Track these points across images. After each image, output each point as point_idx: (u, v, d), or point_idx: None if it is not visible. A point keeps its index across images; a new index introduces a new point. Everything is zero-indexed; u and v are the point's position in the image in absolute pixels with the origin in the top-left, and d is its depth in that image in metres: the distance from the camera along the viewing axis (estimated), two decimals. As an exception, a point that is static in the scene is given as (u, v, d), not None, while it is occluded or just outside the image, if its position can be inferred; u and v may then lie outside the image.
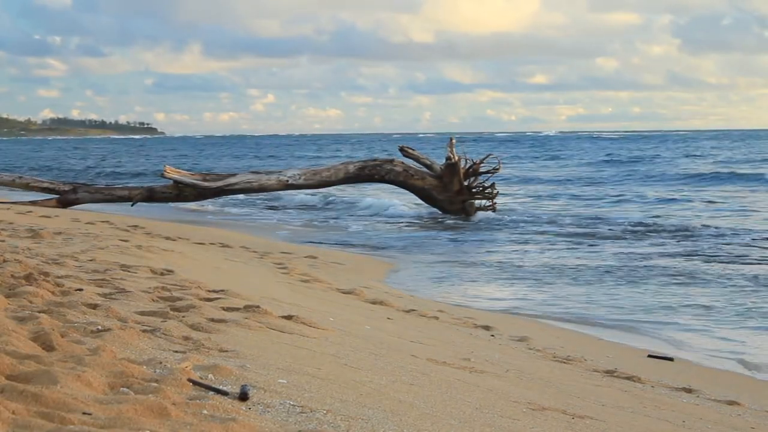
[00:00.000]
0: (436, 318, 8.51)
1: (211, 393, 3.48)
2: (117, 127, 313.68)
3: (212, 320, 5.25)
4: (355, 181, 21.70)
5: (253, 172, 21.37)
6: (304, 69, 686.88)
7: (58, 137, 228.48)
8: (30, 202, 19.94)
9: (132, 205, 20.33)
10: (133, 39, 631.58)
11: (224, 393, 3.49)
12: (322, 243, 16.37)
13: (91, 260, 8.32)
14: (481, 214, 20.90)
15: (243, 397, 3.46)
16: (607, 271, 13.22)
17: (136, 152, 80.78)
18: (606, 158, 52.88)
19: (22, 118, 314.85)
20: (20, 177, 21.77)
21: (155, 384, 3.43)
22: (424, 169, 20.85)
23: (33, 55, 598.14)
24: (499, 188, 21.89)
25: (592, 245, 16.57)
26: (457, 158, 20.55)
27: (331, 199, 26.42)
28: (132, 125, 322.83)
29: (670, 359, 7.87)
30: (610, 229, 19.41)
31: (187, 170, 22.30)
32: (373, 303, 8.90)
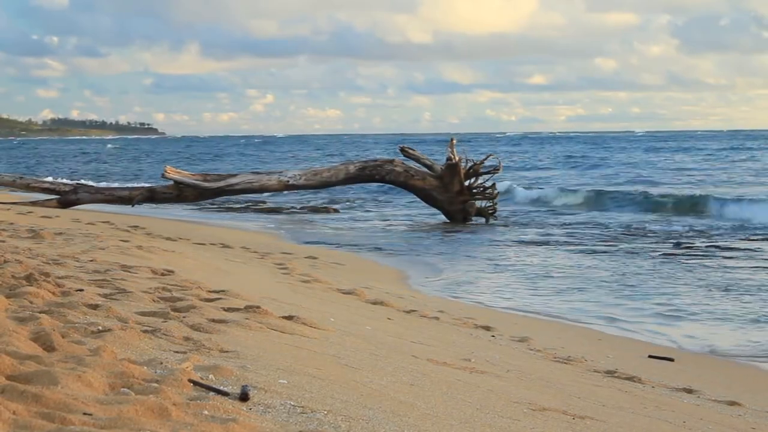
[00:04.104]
0: (437, 318, 8.51)
1: (212, 393, 3.48)
2: (117, 128, 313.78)
3: (213, 321, 5.25)
4: (356, 182, 21.70)
5: (253, 173, 21.38)
6: (302, 69, 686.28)
7: (59, 137, 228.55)
8: (31, 202, 19.96)
9: (132, 206, 20.34)
10: (131, 39, 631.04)
11: (225, 393, 3.49)
12: (322, 243, 16.37)
13: (91, 260, 8.32)
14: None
15: (243, 397, 3.46)
16: (608, 272, 13.23)
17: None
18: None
19: (22, 119, 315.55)
20: (21, 177, 21.79)
21: (156, 384, 3.43)
22: (425, 170, 20.84)
23: (31, 56, 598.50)
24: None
25: (589, 247, 16.57)
26: (457, 159, 20.55)
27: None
28: (132, 125, 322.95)
29: (671, 360, 7.87)
30: (603, 231, 19.46)
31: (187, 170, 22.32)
32: (374, 303, 8.90)
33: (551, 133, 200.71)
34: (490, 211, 20.97)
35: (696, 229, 19.65)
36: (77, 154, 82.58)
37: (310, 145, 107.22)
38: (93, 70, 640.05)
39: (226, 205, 24.68)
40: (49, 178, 27.49)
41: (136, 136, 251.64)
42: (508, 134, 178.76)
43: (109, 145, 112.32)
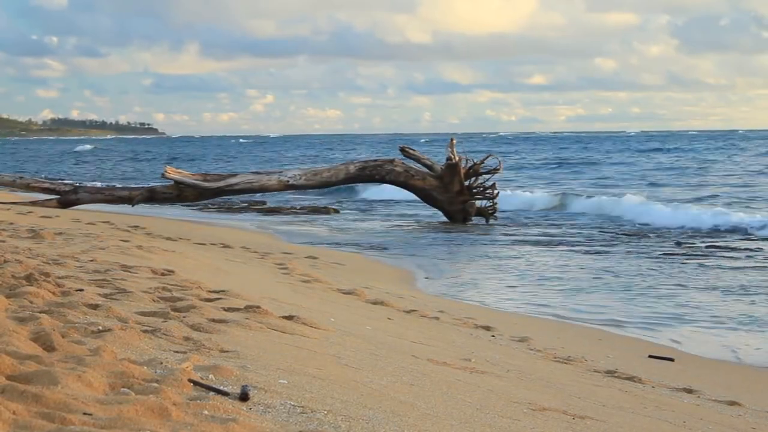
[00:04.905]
0: (437, 318, 8.51)
1: (212, 393, 3.48)
2: (117, 128, 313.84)
3: (213, 320, 5.25)
4: (356, 182, 21.70)
5: (253, 173, 21.36)
6: (302, 69, 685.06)
7: (57, 137, 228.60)
8: (31, 202, 19.96)
9: (133, 206, 20.34)
10: (130, 39, 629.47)
11: (225, 393, 3.49)
12: (322, 243, 16.37)
13: (91, 260, 8.32)
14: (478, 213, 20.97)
15: (243, 397, 3.46)
16: (608, 272, 13.23)
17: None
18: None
19: (22, 119, 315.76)
20: (21, 177, 21.79)
21: (156, 384, 3.43)
22: (425, 170, 20.84)
23: (31, 56, 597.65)
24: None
25: (589, 247, 16.57)
26: (457, 158, 20.55)
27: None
28: (133, 125, 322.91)
29: (671, 360, 7.87)
30: (603, 232, 19.46)
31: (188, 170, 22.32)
32: (374, 303, 8.90)
33: (543, 133, 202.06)
34: (491, 211, 20.97)
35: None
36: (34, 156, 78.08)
37: (301, 145, 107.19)
38: (93, 70, 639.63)
39: (226, 205, 24.68)
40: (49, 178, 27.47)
41: (132, 136, 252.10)
42: (501, 134, 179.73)
43: (80, 147, 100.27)
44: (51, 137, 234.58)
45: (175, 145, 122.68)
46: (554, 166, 50.03)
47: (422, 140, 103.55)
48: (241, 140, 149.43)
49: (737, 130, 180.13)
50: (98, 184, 26.90)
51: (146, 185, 23.14)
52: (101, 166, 57.32)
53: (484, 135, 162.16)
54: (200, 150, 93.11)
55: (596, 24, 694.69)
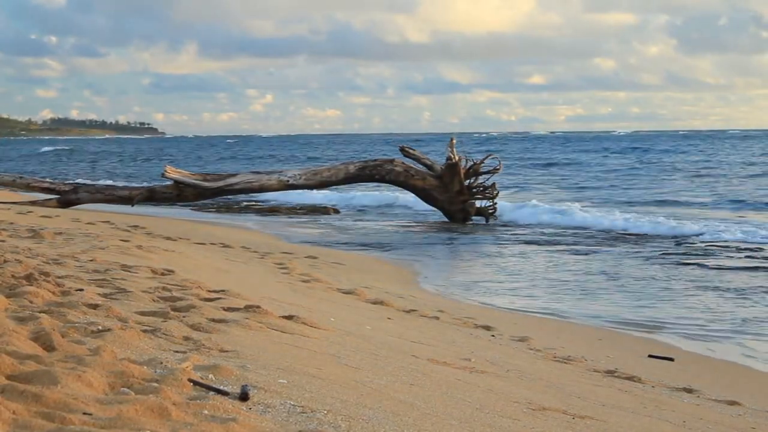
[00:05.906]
0: (437, 318, 8.51)
1: (212, 393, 3.48)
2: (117, 128, 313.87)
3: (213, 320, 5.25)
4: (356, 181, 21.68)
5: (253, 172, 21.35)
6: (301, 69, 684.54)
7: (59, 137, 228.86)
8: (30, 202, 19.95)
9: (132, 206, 20.33)
10: (129, 39, 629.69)
11: (225, 393, 3.49)
12: (322, 243, 16.37)
13: (91, 260, 8.32)
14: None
15: (243, 397, 3.46)
16: (607, 272, 13.24)
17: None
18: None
19: (22, 119, 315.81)
20: (21, 177, 21.78)
21: (156, 384, 3.44)
22: (425, 169, 20.85)
23: (30, 56, 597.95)
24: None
25: (589, 247, 16.58)
26: (457, 158, 20.55)
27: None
28: (133, 125, 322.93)
29: (671, 359, 7.87)
30: (603, 233, 19.48)
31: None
32: (374, 303, 8.90)
33: (537, 133, 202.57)
34: (490, 211, 20.98)
35: None
36: None
37: (287, 145, 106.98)
38: (92, 70, 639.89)
39: (226, 205, 24.68)
40: (48, 178, 27.45)
41: (130, 136, 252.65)
42: (492, 134, 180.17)
43: (45, 148, 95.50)
44: (46, 137, 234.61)
45: (161, 145, 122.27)
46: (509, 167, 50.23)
47: (407, 141, 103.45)
48: (227, 140, 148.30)
49: (726, 130, 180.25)
50: (98, 183, 26.89)
51: (146, 185, 23.12)
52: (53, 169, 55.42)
53: (475, 135, 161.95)
54: (169, 149, 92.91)
55: (594, 24, 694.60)
